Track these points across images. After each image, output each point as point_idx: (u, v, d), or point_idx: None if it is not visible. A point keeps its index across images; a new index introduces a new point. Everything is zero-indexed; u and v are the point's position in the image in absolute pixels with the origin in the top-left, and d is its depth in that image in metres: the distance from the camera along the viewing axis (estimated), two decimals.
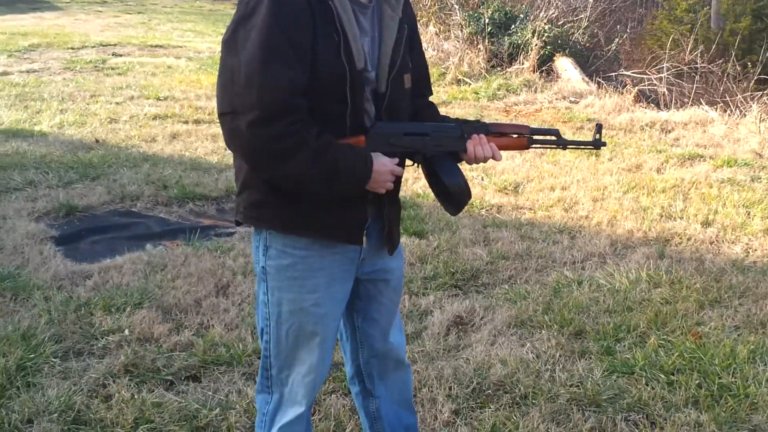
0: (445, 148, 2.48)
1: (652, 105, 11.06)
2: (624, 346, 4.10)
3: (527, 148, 2.62)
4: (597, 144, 2.67)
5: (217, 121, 7.07)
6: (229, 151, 7.04)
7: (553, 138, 2.64)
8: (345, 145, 2.27)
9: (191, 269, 4.93)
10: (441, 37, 13.93)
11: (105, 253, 5.27)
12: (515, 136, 2.58)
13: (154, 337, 4.07)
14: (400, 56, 2.41)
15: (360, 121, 2.35)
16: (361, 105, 2.34)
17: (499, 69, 12.64)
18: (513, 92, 11.25)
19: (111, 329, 4.12)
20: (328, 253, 2.43)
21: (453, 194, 2.47)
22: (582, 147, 2.72)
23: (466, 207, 2.59)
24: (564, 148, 2.69)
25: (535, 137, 2.61)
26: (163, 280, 4.75)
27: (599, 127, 2.69)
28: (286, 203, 2.35)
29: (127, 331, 4.09)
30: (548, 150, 7.78)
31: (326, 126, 2.25)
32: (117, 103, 9.99)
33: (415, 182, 6.55)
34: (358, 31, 2.30)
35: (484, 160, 2.52)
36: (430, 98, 2.74)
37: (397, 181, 2.53)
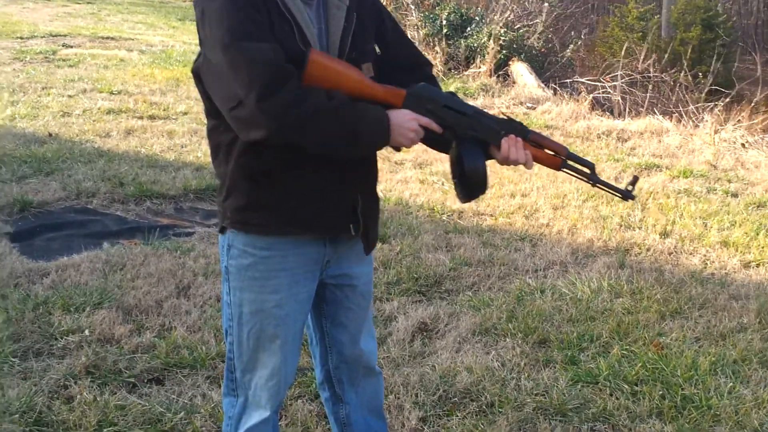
0: (478, 134, 2.40)
1: (607, 113, 11.18)
2: (588, 355, 4.12)
3: (558, 170, 2.52)
4: (626, 195, 2.58)
5: (173, 117, 6.95)
6: (187, 148, 6.93)
7: (586, 171, 2.53)
8: (357, 105, 2.23)
9: (151, 269, 4.84)
10: None
11: (62, 251, 5.15)
12: (551, 153, 2.49)
13: (114, 338, 4.00)
14: (348, 45, 2.35)
15: None
16: None
17: (455, 72, 12.69)
18: (470, 96, 11.29)
19: (71, 329, 4.03)
20: (291, 253, 2.39)
21: (470, 179, 2.39)
22: (610, 192, 2.60)
23: (478, 196, 2.48)
24: (593, 185, 2.58)
25: (570, 162, 2.52)
26: (123, 280, 4.67)
27: (635, 179, 2.59)
28: (272, 203, 2.32)
29: (87, 332, 4.01)
30: None
31: None
32: (69, 96, 9.79)
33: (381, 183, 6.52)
34: (309, 20, 2.27)
35: (516, 164, 2.43)
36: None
37: (374, 176, 2.52)
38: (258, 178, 2.31)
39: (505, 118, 2.46)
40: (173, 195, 6.33)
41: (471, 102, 10.76)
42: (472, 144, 2.40)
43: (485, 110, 2.49)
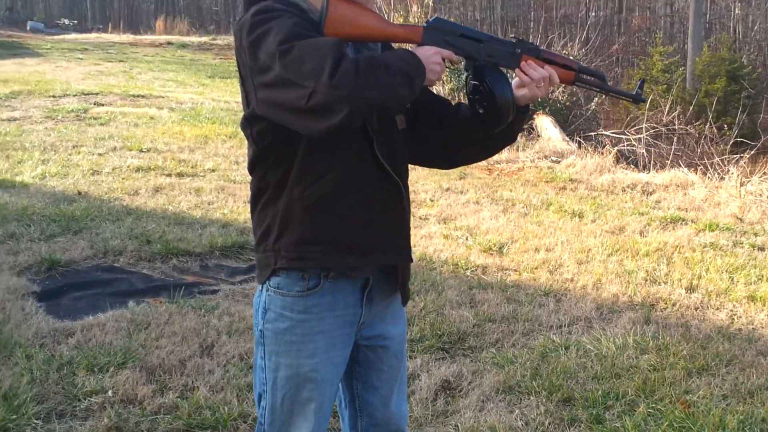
0: (496, 59, 2.42)
1: (632, 166, 11.19)
2: (613, 414, 4.07)
3: (572, 84, 2.56)
4: (637, 98, 2.64)
5: (201, 174, 6.96)
6: (214, 205, 6.98)
7: (597, 81, 2.58)
8: (391, 52, 2.26)
9: (175, 328, 4.87)
10: None
11: (87, 310, 5.20)
12: (564, 68, 2.52)
13: (137, 398, 4.00)
14: None
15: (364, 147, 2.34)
16: (374, 152, 2.34)
17: None
18: None
19: (94, 390, 4.04)
20: (328, 315, 2.39)
21: (499, 103, 2.39)
22: (622, 97, 2.70)
23: (507, 122, 2.47)
24: (606, 94, 2.69)
25: (582, 75, 2.56)
26: (147, 339, 4.69)
27: (642, 82, 2.66)
28: (331, 235, 2.32)
29: (110, 392, 4.02)
30: (533, 210, 7.84)
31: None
32: (99, 154, 9.95)
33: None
34: None
35: (540, 82, 2.44)
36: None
37: (407, 229, 2.51)
38: (314, 208, 2.30)
39: (515, 39, 2.48)
40: (199, 252, 6.39)
41: (495, 156, 10.82)
42: (495, 71, 2.42)
43: (497, 36, 2.52)
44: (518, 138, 11.50)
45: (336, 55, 2.07)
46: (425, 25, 2.37)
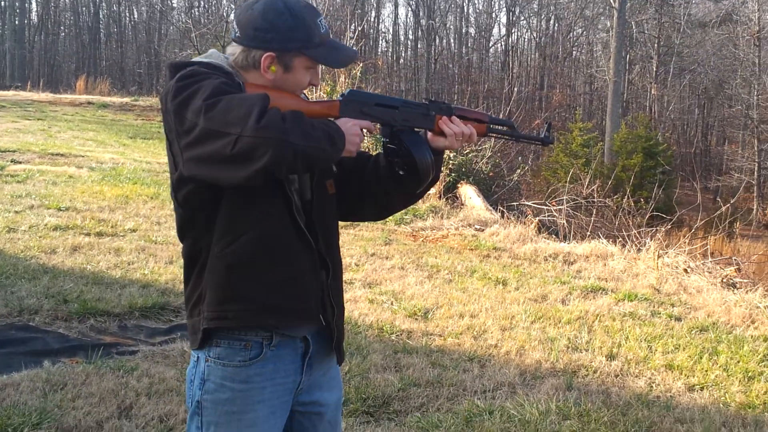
0: (412, 123, 2.51)
1: (553, 235, 11.39)
2: None
3: (485, 136, 2.65)
4: (546, 140, 2.74)
5: (121, 234, 6.88)
6: (134, 265, 6.87)
7: (507, 129, 2.69)
8: (315, 119, 2.28)
9: (92, 389, 4.72)
10: None
11: (1, 369, 5.00)
12: (475, 121, 2.61)
13: None
14: None
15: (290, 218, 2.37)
16: (293, 215, 2.36)
17: None
18: (420, 217, 11.43)
19: None
20: (269, 384, 2.37)
21: (420, 167, 2.47)
22: (532, 141, 2.79)
23: (428, 184, 2.57)
24: (516, 140, 2.76)
25: (492, 126, 2.65)
26: (63, 400, 4.53)
27: (549, 124, 2.75)
28: (249, 295, 2.32)
29: None
30: (457, 276, 7.89)
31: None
32: (16, 212, 9.70)
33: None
34: None
35: (461, 137, 2.53)
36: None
37: (340, 287, 2.53)
38: (232, 267, 2.31)
39: (429, 100, 2.56)
40: (118, 312, 6.24)
41: (420, 223, 10.91)
42: (412, 134, 2.50)
43: (410, 100, 2.60)
44: (442, 206, 11.64)
45: (263, 104, 2.11)
46: (340, 98, 2.43)
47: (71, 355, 5.38)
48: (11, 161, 13.93)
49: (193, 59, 2.38)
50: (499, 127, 2.68)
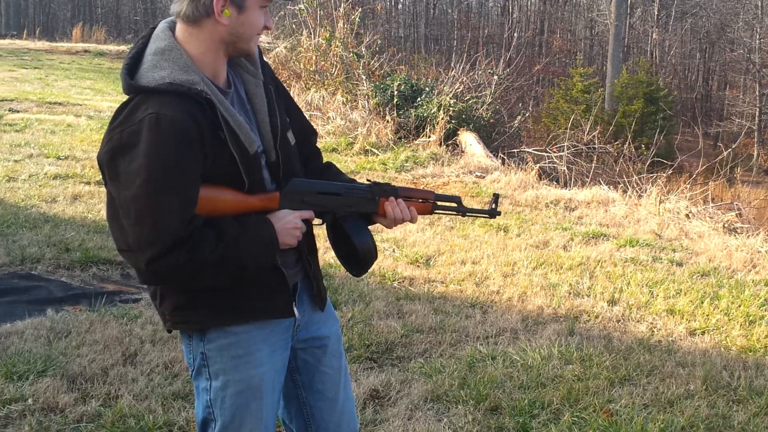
0: (356, 209, 2.52)
1: (554, 182, 11.36)
2: (539, 422, 4.11)
3: (431, 213, 2.66)
4: (492, 213, 2.76)
5: None
6: None
7: (454, 205, 2.71)
8: (244, 235, 2.25)
9: (97, 336, 4.74)
10: (348, 106, 14.07)
11: (4, 318, 5.03)
12: (421, 201, 2.63)
13: (59, 406, 3.90)
14: (278, 118, 2.42)
15: (260, 191, 2.36)
16: (259, 180, 2.35)
17: (406, 141, 12.82)
18: (420, 165, 11.39)
19: (13, 398, 3.92)
20: (268, 323, 2.40)
21: (361, 254, 2.50)
22: (479, 215, 2.81)
23: (370, 269, 2.62)
24: (463, 215, 2.77)
25: (439, 203, 2.67)
26: (68, 347, 4.56)
27: (496, 197, 2.78)
28: (208, 300, 2.32)
29: (30, 400, 3.91)
30: (459, 223, 7.89)
31: None
32: (15, 161, 9.68)
33: (327, 251, 6.51)
34: (239, 117, 2.29)
35: (402, 222, 2.56)
36: (319, 144, 2.76)
37: (310, 233, 2.54)
38: None
39: (371, 182, 2.57)
40: (120, 261, 6.23)
41: (421, 170, 10.89)
42: (354, 220, 2.52)
43: (353, 182, 2.61)
44: (443, 153, 11.59)
45: (168, 246, 2.11)
46: (283, 189, 2.39)
47: (74, 304, 5.40)
48: (9, 110, 13.86)
49: (148, 78, 2.20)
50: (447, 204, 2.70)
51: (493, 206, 2.75)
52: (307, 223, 2.44)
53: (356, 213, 2.52)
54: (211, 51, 2.26)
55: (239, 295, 2.33)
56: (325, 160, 2.73)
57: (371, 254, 2.51)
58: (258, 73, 2.42)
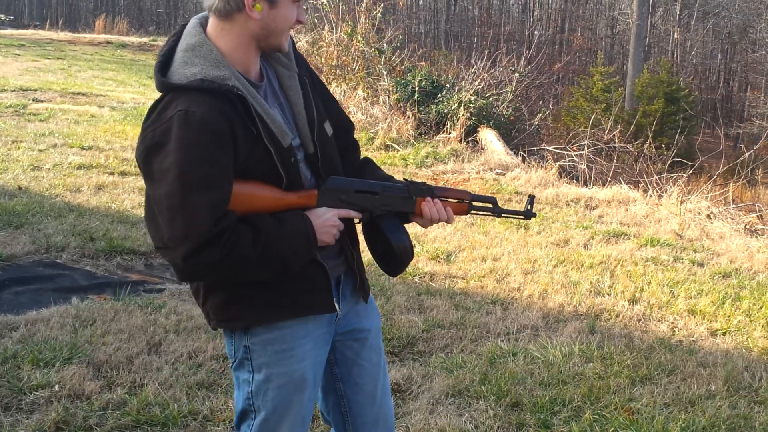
0: (392, 207, 2.50)
1: (574, 181, 11.35)
2: (560, 419, 4.12)
3: (467, 214, 2.65)
4: (528, 215, 2.74)
5: None
6: None
7: (490, 206, 2.69)
8: (282, 231, 2.26)
9: (122, 325, 4.80)
10: (369, 101, 14.09)
11: (30, 305, 5.09)
12: (457, 201, 2.62)
13: (85, 393, 3.94)
14: (314, 109, 2.43)
15: (298, 187, 2.36)
16: (296, 175, 2.35)
17: (426, 137, 12.83)
18: (441, 161, 11.40)
19: (40, 384, 3.97)
20: (311, 318, 2.41)
21: (398, 253, 2.48)
22: (515, 216, 2.77)
23: (405, 269, 2.60)
24: (498, 216, 2.73)
25: (475, 204, 2.66)
26: (93, 336, 4.61)
27: (531, 199, 2.76)
28: (251, 296, 2.33)
29: (57, 387, 3.96)
30: (478, 220, 7.90)
31: None
32: (40, 150, 9.75)
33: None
34: (272, 111, 2.31)
35: (439, 222, 2.54)
36: (358, 142, 2.76)
37: (352, 226, 2.54)
38: None
39: (408, 181, 2.56)
40: (144, 251, 6.29)
41: (442, 166, 10.89)
42: (389, 219, 2.51)
43: (390, 180, 2.59)
44: (463, 150, 11.59)
45: (204, 241, 2.12)
46: (321, 187, 2.40)
47: (99, 292, 5.45)
48: (33, 100, 13.95)
49: (180, 75, 2.23)
50: (482, 204, 2.68)
51: (529, 207, 2.74)
52: (347, 220, 2.45)
53: (392, 212, 2.51)
54: (243, 46, 2.27)
55: (282, 291, 2.34)
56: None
57: (408, 253, 2.50)
58: (292, 65, 2.43)
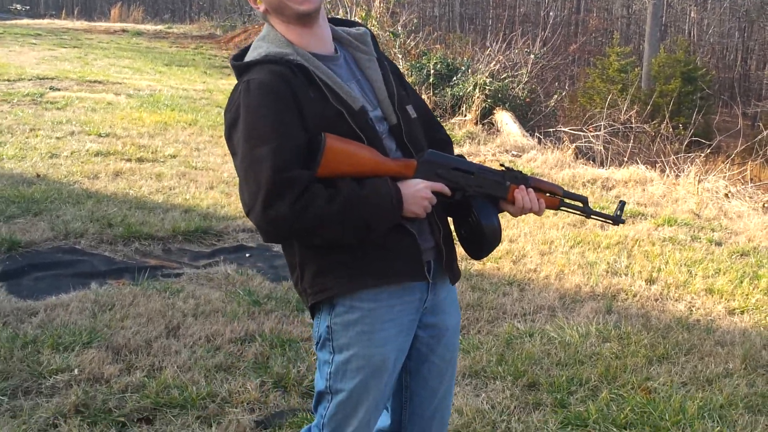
0: (485, 190, 2.48)
1: (590, 161, 11.31)
2: (577, 398, 4.14)
3: (557, 209, 2.62)
4: (617, 220, 2.70)
5: (161, 160, 7.10)
6: (175, 191, 6.96)
7: (580, 205, 2.66)
8: (363, 192, 2.26)
9: (140, 309, 4.84)
10: None
11: (49, 291, 5.14)
12: (549, 195, 2.59)
13: (104, 377, 3.98)
14: (394, 88, 2.45)
15: (385, 155, 2.37)
16: (378, 141, 2.36)
17: (442, 119, 12.80)
18: (457, 143, 11.38)
19: (59, 368, 4.01)
20: (397, 302, 2.40)
21: (488, 235, 2.45)
22: (604, 220, 2.73)
23: (493, 251, 2.57)
24: (588, 217, 2.70)
25: (566, 200, 2.62)
26: (112, 320, 4.66)
27: (622, 205, 2.72)
28: (342, 263, 2.34)
29: (76, 371, 4.00)
30: None
31: None
32: (57, 138, 9.81)
33: None
34: (339, 79, 2.34)
35: (530, 212, 2.52)
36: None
37: (443, 206, 2.50)
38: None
39: (505, 168, 2.53)
40: (162, 236, 6.34)
41: (458, 149, 10.87)
42: (483, 202, 2.48)
43: (487, 167, 2.55)
44: (479, 132, 11.57)
45: (269, 192, 2.17)
46: (420, 158, 2.39)
47: (117, 277, 5.49)
48: (50, 88, 14.01)
49: (249, 58, 2.37)
50: (573, 202, 2.64)
51: (618, 213, 2.70)
52: (439, 196, 2.41)
53: (485, 194, 2.48)
54: (286, 29, 2.37)
55: (370, 258, 2.33)
56: None
57: (496, 235, 2.47)
58: (370, 50, 2.49)
